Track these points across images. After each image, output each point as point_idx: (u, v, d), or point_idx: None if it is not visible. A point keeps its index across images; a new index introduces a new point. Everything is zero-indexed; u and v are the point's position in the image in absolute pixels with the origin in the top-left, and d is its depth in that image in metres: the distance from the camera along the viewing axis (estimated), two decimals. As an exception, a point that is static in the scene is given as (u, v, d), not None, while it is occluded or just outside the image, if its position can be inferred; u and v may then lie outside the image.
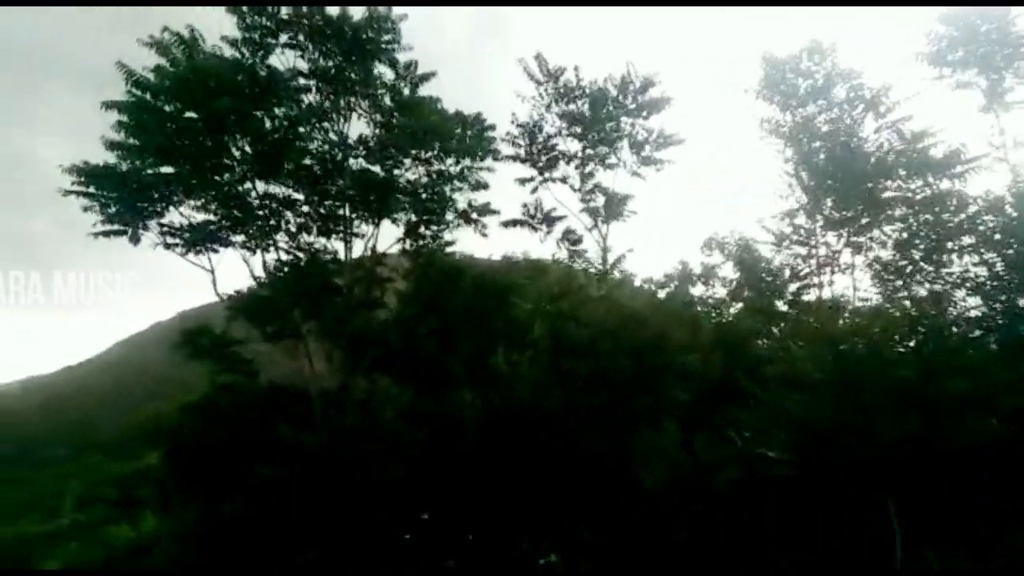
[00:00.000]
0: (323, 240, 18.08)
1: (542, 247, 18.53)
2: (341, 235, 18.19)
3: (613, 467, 13.95)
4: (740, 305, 17.84)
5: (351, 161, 17.22)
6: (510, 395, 15.73)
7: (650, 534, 12.18)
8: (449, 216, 17.79)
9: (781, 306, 17.36)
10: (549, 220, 18.19)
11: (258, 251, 17.77)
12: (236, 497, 14.87)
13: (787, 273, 16.94)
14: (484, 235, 17.89)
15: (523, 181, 18.64)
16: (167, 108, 14.62)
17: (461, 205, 18.07)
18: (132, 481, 37.93)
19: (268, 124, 16.17)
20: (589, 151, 19.07)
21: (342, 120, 17.47)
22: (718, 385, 13.79)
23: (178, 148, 14.86)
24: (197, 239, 16.15)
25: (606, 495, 13.82)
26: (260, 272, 17.11)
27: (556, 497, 14.77)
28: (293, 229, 17.10)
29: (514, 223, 18.22)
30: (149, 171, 15.19)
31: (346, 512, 13.70)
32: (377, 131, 17.52)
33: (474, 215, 17.87)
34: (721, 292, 17.48)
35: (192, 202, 16.84)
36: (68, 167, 15.43)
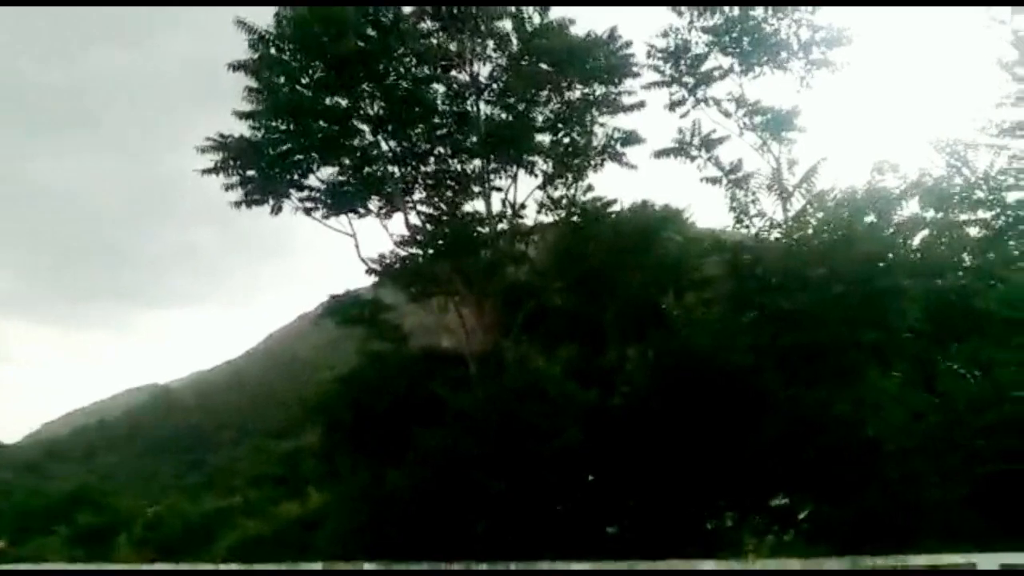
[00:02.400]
0: (459, 198, 17.00)
1: (698, 179, 16.10)
2: (478, 192, 17.05)
3: (820, 418, 11.71)
4: (924, 232, 14.71)
5: (483, 106, 15.90)
6: (682, 345, 13.87)
7: (891, 493, 9.94)
8: (591, 153, 15.98)
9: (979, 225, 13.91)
10: (708, 144, 15.86)
11: (396, 214, 17.04)
12: (400, 465, 14.24)
13: (1009, 181, 13.57)
14: (632, 167, 15.90)
15: (673, 105, 16.37)
16: (293, 63, 13.96)
17: (602, 140, 16.22)
18: (294, 459, 40.08)
19: (395, 75, 15.19)
20: (744, 63, 16.47)
21: (470, 64, 16.15)
22: (956, 312, 11.17)
23: (308, 105, 14.19)
24: (337, 201, 15.56)
25: (812, 450, 11.62)
26: (399, 236, 16.36)
27: (741, 456, 12.77)
28: (431, 183, 16.12)
29: (667, 152, 16.06)
30: (282, 134, 14.68)
31: (514, 476, 12.51)
32: (507, 73, 16.04)
33: (618, 146, 15.92)
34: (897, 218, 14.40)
35: (327, 168, 16.38)
36: (203, 145, 15.33)
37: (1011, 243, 12.77)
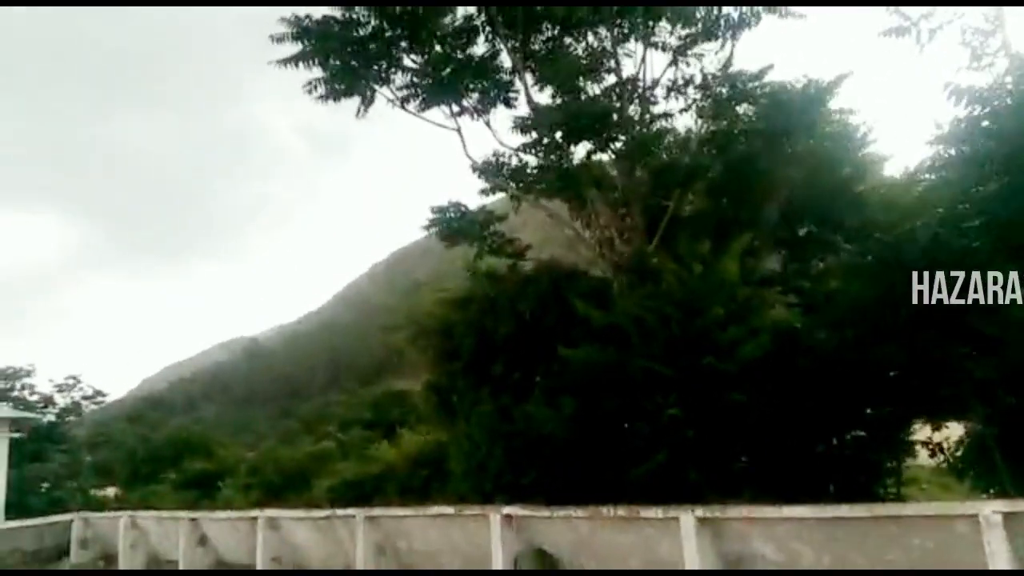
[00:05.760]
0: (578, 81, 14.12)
1: (878, 34, 12.61)
2: (594, 74, 14.15)
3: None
4: None
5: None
6: (894, 236, 10.87)
7: None
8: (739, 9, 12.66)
9: None
10: (903, -21, 12.32)
11: (499, 105, 14.42)
12: (530, 396, 12.07)
13: None
14: (799, 16, 12.46)
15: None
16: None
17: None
18: (385, 403, 39.47)
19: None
20: None
21: None
22: None
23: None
24: (435, 88, 13.11)
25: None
26: (505, 136, 13.76)
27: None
28: (548, 59, 13.35)
29: (846, -7, 12.57)
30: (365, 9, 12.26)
31: (688, 399, 10.05)
32: None
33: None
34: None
35: (416, 58, 13.90)
36: (278, 33, 13.11)
37: None
